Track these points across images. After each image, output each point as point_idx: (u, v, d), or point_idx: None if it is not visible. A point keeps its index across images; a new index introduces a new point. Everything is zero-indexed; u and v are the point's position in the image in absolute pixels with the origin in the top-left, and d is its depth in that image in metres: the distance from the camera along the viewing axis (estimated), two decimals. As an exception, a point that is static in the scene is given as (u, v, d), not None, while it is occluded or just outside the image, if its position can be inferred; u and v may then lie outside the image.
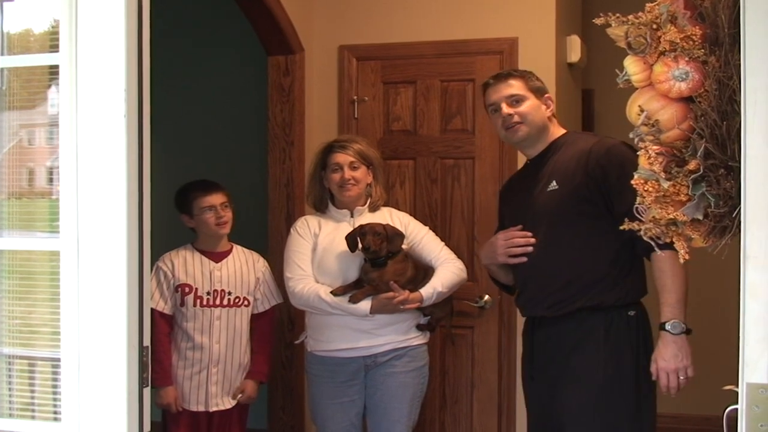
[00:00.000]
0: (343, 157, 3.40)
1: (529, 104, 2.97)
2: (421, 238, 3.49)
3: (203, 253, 3.59)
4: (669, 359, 2.63)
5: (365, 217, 3.42)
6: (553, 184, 2.87)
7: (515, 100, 2.98)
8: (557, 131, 3.04)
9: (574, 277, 2.82)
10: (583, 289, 2.80)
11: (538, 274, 2.92)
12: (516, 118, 2.96)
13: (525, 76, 3.03)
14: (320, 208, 3.52)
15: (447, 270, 3.41)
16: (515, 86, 2.99)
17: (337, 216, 3.46)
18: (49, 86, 2.14)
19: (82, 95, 2.00)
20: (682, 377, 2.64)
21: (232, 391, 3.57)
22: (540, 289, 2.91)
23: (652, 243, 2.51)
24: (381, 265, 3.30)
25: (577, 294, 2.81)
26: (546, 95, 3.03)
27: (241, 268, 3.62)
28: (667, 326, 2.63)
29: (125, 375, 2.00)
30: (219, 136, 5.27)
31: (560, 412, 2.85)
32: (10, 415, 2.21)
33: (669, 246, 2.54)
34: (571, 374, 2.81)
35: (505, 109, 2.97)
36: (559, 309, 2.84)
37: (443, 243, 3.53)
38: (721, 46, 1.70)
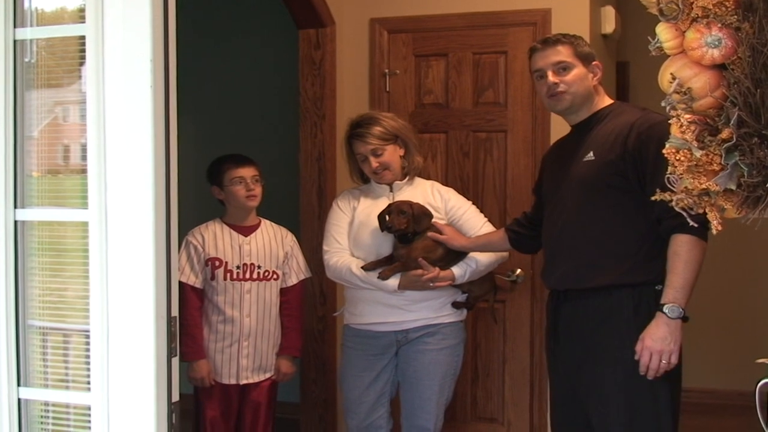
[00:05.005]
0: (363, 147, 3.35)
1: (575, 72, 2.88)
2: (463, 213, 3.44)
3: (232, 227, 3.59)
4: (657, 340, 2.59)
5: (404, 192, 3.40)
6: (590, 155, 2.82)
7: (562, 68, 2.88)
8: (603, 101, 2.95)
9: (601, 250, 2.78)
10: (610, 264, 2.75)
11: (566, 246, 2.89)
12: (561, 87, 2.88)
13: (574, 42, 2.92)
14: (365, 181, 3.50)
15: None
16: (563, 53, 2.89)
17: (378, 190, 3.44)
18: (83, 63, 2.15)
19: (109, 66, 2.00)
20: (664, 361, 2.60)
21: (263, 364, 3.59)
22: (568, 261, 2.87)
23: (676, 222, 2.50)
24: (408, 241, 3.29)
25: (605, 269, 2.76)
26: (594, 62, 2.92)
27: (270, 242, 3.63)
28: (665, 308, 2.58)
29: (153, 345, 2.01)
30: (249, 110, 5.29)
31: (586, 388, 2.81)
32: (45, 386, 2.24)
33: (690, 231, 2.54)
34: (599, 351, 2.77)
35: (551, 77, 2.89)
36: (585, 282, 2.80)
37: (486, 219, 3.49)
38: (755, 12, 1.67)
